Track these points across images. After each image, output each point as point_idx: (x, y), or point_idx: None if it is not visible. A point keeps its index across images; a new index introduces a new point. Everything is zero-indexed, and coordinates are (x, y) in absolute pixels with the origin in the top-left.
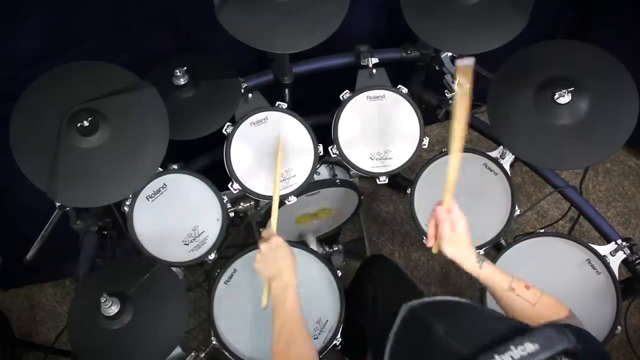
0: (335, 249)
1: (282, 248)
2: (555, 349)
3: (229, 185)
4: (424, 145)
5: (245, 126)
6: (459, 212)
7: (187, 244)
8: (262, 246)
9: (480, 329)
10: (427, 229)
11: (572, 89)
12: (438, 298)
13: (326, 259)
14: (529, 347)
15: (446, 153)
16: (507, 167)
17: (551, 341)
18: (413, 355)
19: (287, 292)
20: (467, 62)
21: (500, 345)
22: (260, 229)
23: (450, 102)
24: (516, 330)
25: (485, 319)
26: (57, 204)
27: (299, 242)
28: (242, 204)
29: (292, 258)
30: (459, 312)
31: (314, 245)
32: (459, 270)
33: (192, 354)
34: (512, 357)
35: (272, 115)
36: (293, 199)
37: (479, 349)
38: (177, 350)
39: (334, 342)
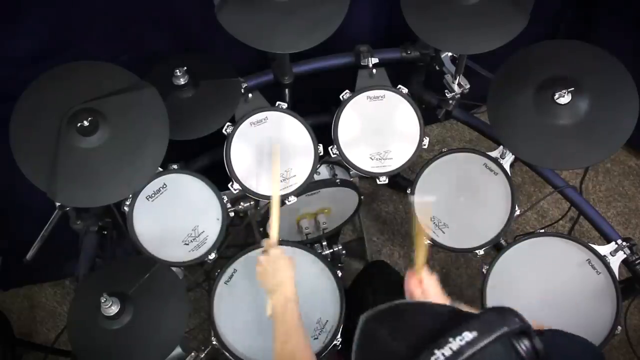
0: (335, 249)
1: (280, 260)
2: (495, 333)
3: (229, 185)
4: (424, 145)
5: (245, 126)
6: (429, 280)
7: (187, 244)
8: (261, 258)
9: (421, 326)
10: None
11: (572, 89)
12: (385, 305)
13: (326, 259)
14: (467, 335)
15: (446, 153)
16: (507, 167)
17: (491, 326)
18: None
19: (287, 307)
20: (427, 200)
21: (440, 339)
22: (261, 229)
23: (450, 102)
24: (455, 320)
25: (426, 314)
26: (57, 204)
27: (299, 242)
28: (242, 204)
29: (290, 269)
30: (403, 313)
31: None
32: (459, 270)
33: (192, 354)
34: (451, 349)
35: (272, 115)
36: (293, 199)
37: (419, 347)
38: (177, 350)
39: (334, 342)
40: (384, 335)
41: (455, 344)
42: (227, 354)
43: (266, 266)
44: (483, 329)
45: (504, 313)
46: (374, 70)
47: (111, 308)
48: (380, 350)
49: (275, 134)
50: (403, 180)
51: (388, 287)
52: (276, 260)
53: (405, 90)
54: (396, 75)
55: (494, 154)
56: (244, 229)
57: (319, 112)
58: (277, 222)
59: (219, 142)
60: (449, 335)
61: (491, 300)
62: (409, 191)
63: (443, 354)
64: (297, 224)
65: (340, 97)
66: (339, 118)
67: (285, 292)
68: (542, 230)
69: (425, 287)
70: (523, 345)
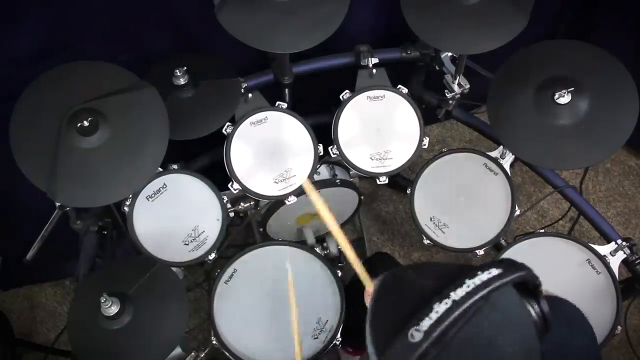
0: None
1: None
2: (520, 273)
3: (229, 185)
4: (424, 145)
5: (245, 126)
6: None
7: (187, 244)
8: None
9: (447, 267)
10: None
11: (572, 89)
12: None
13: (326, 259)
14: (494, 271)
15: (446, 153)
16: (507, 167)
17: (513, 268)
18: (390, 305)
19: None
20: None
21: (469, 272)
22: (260, 229)
23: (450, 102)
24: (480, 266)
25: (449, 266)
26: (57, 204)
27: (299, 242)
28: (242, 204)
29: None
30: (423, 266)
31: (311, 239)
32: None
33: (192, 354)
34: (481, 279)
35: (272, 115)
36: (293, 198)
37: (449, 280)
38: (177, 350)
39: (334, 342)
40: (409, 275)
41: (484, 275)
42: (227, 354)
43: None
44: (508, 269)
45: (521, 264)
46: (374, 70)
47: (111, 308)
48: (406, 288)
49: (275, 134)
50: (403, 180)
51: None
52: None
53: (405, 90)
54: (396, 75)
55: (494, 154)
56: (244, 229)
57: (319, 112)
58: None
59: (219, 142)
60: (478, 269)
61: None
62: (409, 191)
63: (474, 283)
64: (297, 224)
65: (340, 97)
66: (339, 118)
67: None
68: (542, 230)
69: None
70: (535, 307)
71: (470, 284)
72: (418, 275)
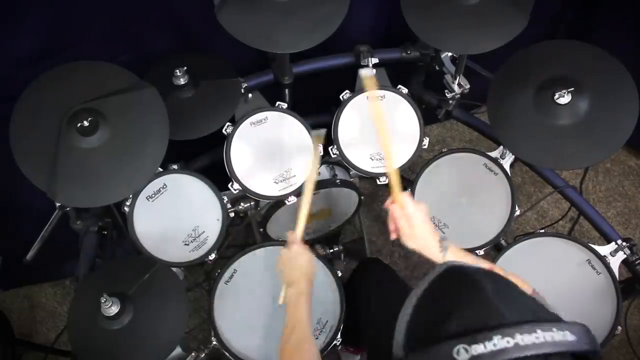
0: (336, 249)
1: (301, 256)
2: (590, 348)
3: (229, 185)
4: (424, 145)
5: (245, 126)
6: (414, 206)
7: (187, 244)
8: (283, 251)
9: (526, 305)
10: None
11: (572, 89)
12: (479, 265)
13: (326, 259)
14: (569, 336)
15: (446, 153)
16: (507, 167)
17: (588, 341)
18: (447, 305)
19: (300, 300)
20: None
21: (543, 323)
22: (261, 229)
23: (450, 102)
24: (558, 318)
25: (532, 301)
26: (57, 204)
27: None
28: (242, 204)
29: (309, 266)
30: (506, 283)
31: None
32: None
33: (192, 354)
34: (552, 338)
35: (272, 115)
36: (293, 199)
37: (522, 319)
38: (177, 350)
39: (334, 342)
40: (487, 289)
41: (558, 335)
42: (227, 354)
43: (286, 260)
44: (581, 339)
45: (593, 339)
46: (374, 71)
47: (111, 308)
48: (478, 299)
49: (275, 134)
50: (403, 180)
51: (380, 284)
52: (297, 256)
53: (405, 90)
54: (396, 75)
55: (494, 154)
56: (244, 229)
57: (319, 112)
58: (304, 217)
59: (219, 142)
60: (554, 325)
61: None
62: (409, 191)
63: (544, 337)
64: None
65: (340, 97)
66: (339, 118)
67: (300, 286)
68: (542, 231)
69: (408, 213)
70: None
71: (540, 336)
72: (495, 292)
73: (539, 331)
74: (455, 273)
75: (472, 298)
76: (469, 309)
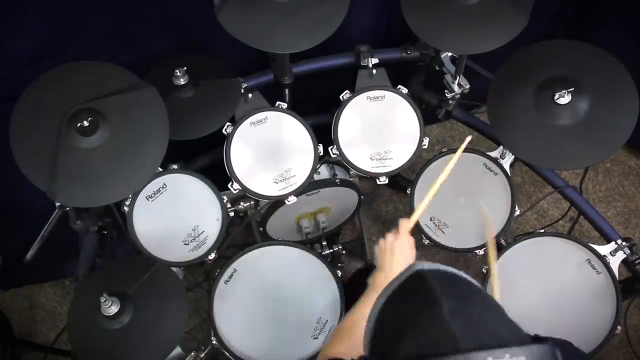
0: (335, 249)
1: (406, 249)
2: None
3: (229, 185)
4: (424, 145)
5: (245, 126)
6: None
7: (187, 244)
8: (389, 236)
9: (487, 327)
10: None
11: (572, 89)
12: (450, 270)
13: (326, 259)
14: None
15: (446, 153)
16: (507, 167)
17: (548, 358)
18: (404, 322)
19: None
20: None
21: (496, 349)
22: (260, 229)
23: (450, 102)
24: (519, 340)
25: (494, 317)
26: (57, 204)
27: (299, 242)
28: (242, 204)
29: (407, 262)
30: (470, 296)
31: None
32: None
33: (192, 354)
34: None
35: (272, 115)
36: (293, 198)
37: (476, 346)
38: (177, 350)
39: None
40: (444, 309)
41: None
42: (227, 353)
43: (391, 246)
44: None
45: (555, 351)
46: (374, 71)
47: (111, 308)
48: (433, 320)
49: (275, 134)
50: (403, 180)
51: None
52: (402, 247)
53: (405, 90)
54: (396, 76)
55: (494, 154)
56: (244, 229)
57: (319, 112)
58: (424, 207)
59: (219, 142)
60: (508, 351)
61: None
62: (409, 191)
63: None
64: (297, 223)
65: (340, 97)
66: (339, 118)
67: (391, 276)
68: (542, 230)
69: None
70: None
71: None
72: (452, 312)
73: (506, 356)
74: (418, 283)
75: (428, 317)
76: (424, 330)
